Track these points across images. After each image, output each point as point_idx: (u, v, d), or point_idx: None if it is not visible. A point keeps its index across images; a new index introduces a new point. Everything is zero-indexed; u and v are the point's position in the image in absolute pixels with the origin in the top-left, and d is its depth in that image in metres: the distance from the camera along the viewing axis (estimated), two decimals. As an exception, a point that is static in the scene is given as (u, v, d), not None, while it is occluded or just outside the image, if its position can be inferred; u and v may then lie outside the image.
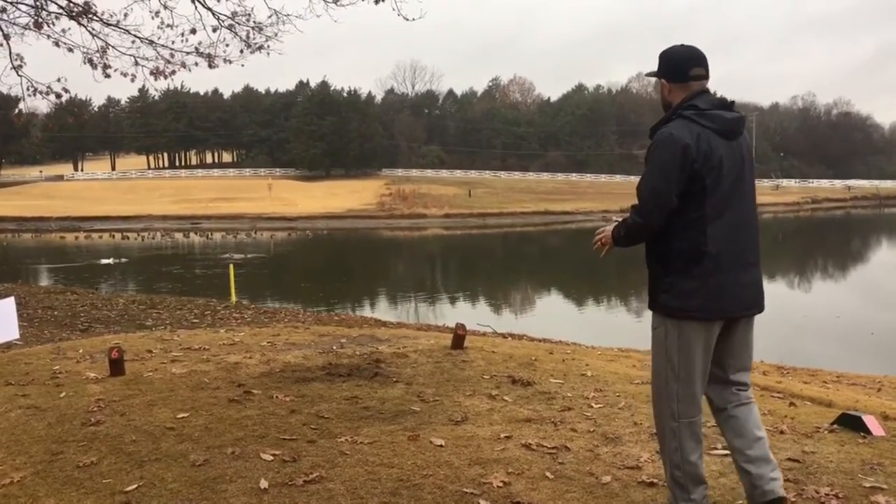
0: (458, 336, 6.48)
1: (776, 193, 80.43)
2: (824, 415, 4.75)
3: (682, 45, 3.00)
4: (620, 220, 3.01)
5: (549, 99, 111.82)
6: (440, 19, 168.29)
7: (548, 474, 3.51)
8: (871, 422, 4.28)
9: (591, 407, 4.69)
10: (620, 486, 3.40)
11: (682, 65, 2.93)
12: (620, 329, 17.56)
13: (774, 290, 26.12)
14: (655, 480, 3.44)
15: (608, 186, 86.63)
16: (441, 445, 3.88)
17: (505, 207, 67.39)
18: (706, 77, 2.94)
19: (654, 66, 3.04)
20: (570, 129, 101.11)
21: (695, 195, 2.79)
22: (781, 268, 32.32)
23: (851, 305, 21.50)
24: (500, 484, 3.37)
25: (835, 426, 4.35)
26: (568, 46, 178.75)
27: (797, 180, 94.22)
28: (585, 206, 70.65)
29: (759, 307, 2.94)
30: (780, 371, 8.34)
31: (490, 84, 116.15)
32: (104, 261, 34.31)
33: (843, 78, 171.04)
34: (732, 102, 2.94)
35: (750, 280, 2.89)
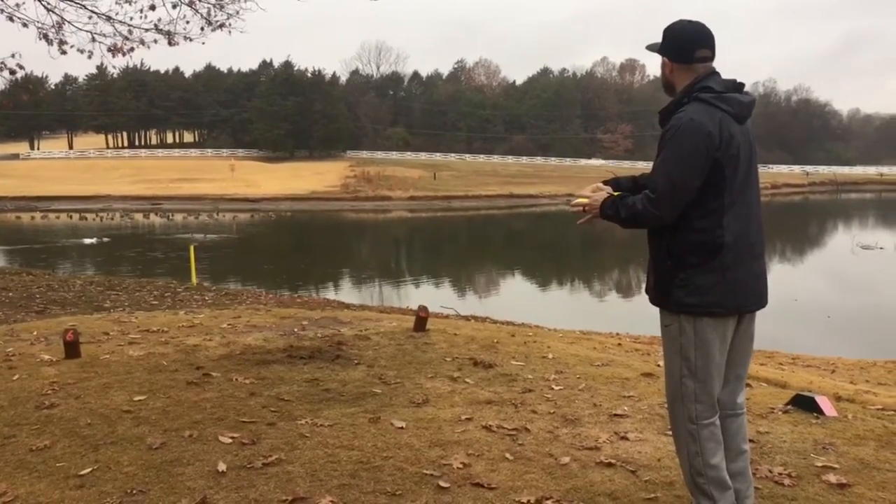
0: (421, 318, 6.48)
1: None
2: (779, 396, 4.84)
3: (688, 22, 2.76)
4: (616, 196, 2.80)
5: (514, 82, 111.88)
6: (406, 1, 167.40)
7: (507, 455, 3.53)
8: (823, 402, 4.37)
9: (552, 389, 4.72)
10: (579, 466, 3.43)
11: (688, 45, 2.71)
12: (583, 312, 17.73)
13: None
14: (613, 461, 3.48)
15: (572, 170, 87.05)
16: (402, 427, 3.87)
17: (470, 190, 67.38)
18: (712, 58, 2.74)
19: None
20: (535, 113, 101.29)
21: (714, 185, 2.60)
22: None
23: (808, 289, 21.94)
24: (460, 465, 3.38)
25: (789, 407, 4.44)
26: (534, 30, 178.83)
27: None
28: (550, 190, 70.91)
29: (766, 300, 2.78)
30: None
31: (456, 66, 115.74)
32: (87, 240, 33.80)
33: (807, 65, 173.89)
34: (743, 84, 2.78)
35: (759, 271, 2.74)
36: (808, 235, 42.05)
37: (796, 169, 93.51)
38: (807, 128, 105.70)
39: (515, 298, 20.55)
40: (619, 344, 6.71)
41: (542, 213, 59.65)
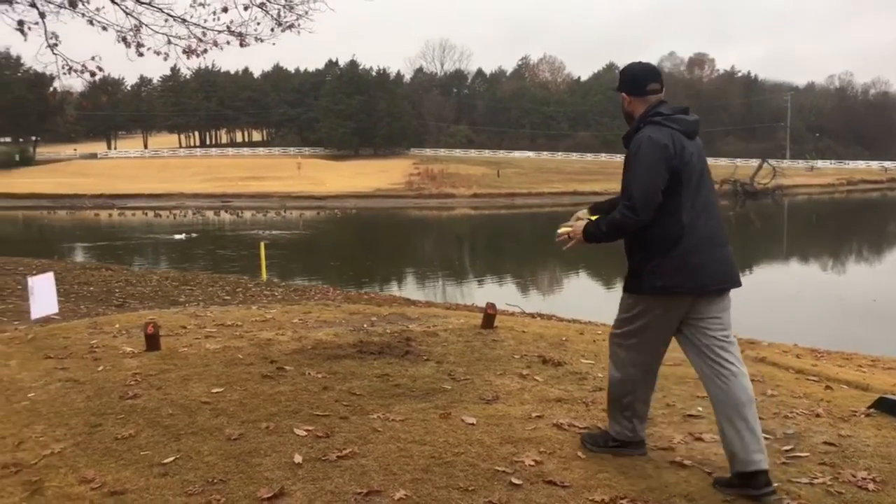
0: (489, 315, 6.48)
1: (810, 175, 79.07)
2: (861, 398, 4.69)
3: (639, 63, 3.45)
4: (592, 219, 3.41)
5: (579, 78, 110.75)
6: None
7: (580, 454, 3.52)
8: (909, 406, 4.22)
9: (623, 388, 4.66)
10: (653, 466, 3.39)
11: (642, 80, 3.37)
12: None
13: (808, 273, 25.79)
14: (688, 462, 3.43)
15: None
16: (473, 424, 3.89)
17: (533, 188, 67.05)
18: (661, 90, 3.38)
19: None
20: (600, 109, 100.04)
21: (673, 188, 3.17)
22: (815, 250, 31.88)
23: (888, 289, 21.14)
24: (532, 463, 3.38)
25: (871, 410, 4.30)
26: (601, 25, 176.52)
27: (832, 161, 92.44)
28: (615, 187, 69.58)
29: (734, 282, 3.27)
30: (815, 354, 8.23)
31: (519, 63, 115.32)
32: (177, 236, 35.06)
33: (886, 58, 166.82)
34: (688, 108, 3.37)
35: (721, 257, 3.24)
36: (887, 233, 40.49)
37: (874, 164, 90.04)
38: (885, 122, 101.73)
39: (580, 296, 20.37)
40: (691, 343, 6.60)
41: (607, 210, 58.92)
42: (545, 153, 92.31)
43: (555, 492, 3.10)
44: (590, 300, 19.20)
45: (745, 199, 61.93)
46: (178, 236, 35.12)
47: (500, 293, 19.41)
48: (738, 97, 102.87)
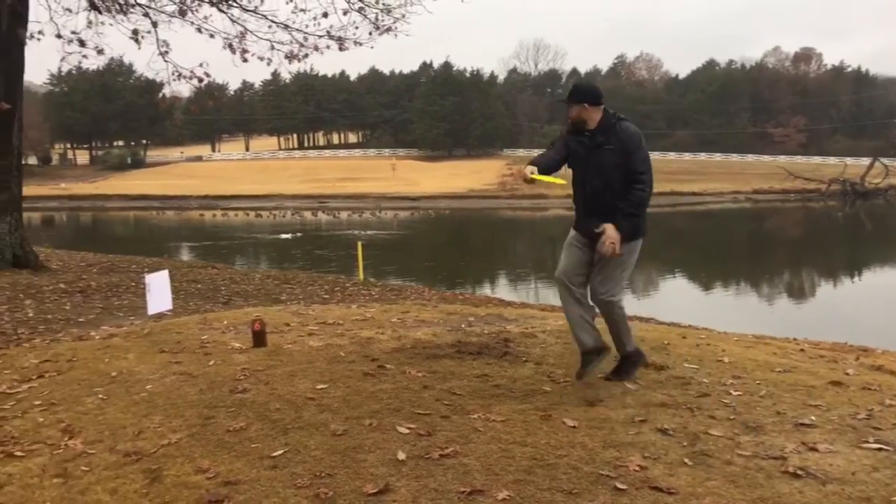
0: (588, 317, 6.39)
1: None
2: None
3: (589, 81, 5.16)
4: (547, 179, 4.64)
5: (677, 76, 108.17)
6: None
7: (686, 460, 3.43)
8: None
9: (730, 394, 4.53)
10: (764, 476, 3.27)
11: (600, 93, 4.69)
12: (751, 315, 16.88)
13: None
14: (801, 472, 3.30)
15: (739, 166, 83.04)
16: (574, 426, 3.85)
17: (629, 188, 65.74)
18: None
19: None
20: (698, 107, 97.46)
21: None
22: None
23: None
24: (637, 468, 3.32)
25: None
26: (700, 23, 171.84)
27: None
28: (714, 187, 68.12)
29: None
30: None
31: (615, 61, 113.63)
32: (283, 235, 36.98)
33: None
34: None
35: None
36: None
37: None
38: None
39: (678, 299, 19.86)
40: (802, 350, 6.33)
41: (705, 211, 57.38)
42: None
43: (661, 498, 3.04)
44: (688, 304, 18.72)
45: (856, 199, 59.13)
46: (284, 235, 36.94)
47: (595, 295, 19.10)
48: (847, 93, 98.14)
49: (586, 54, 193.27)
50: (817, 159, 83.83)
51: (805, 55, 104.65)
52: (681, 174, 74.26)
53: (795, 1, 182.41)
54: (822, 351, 6.43)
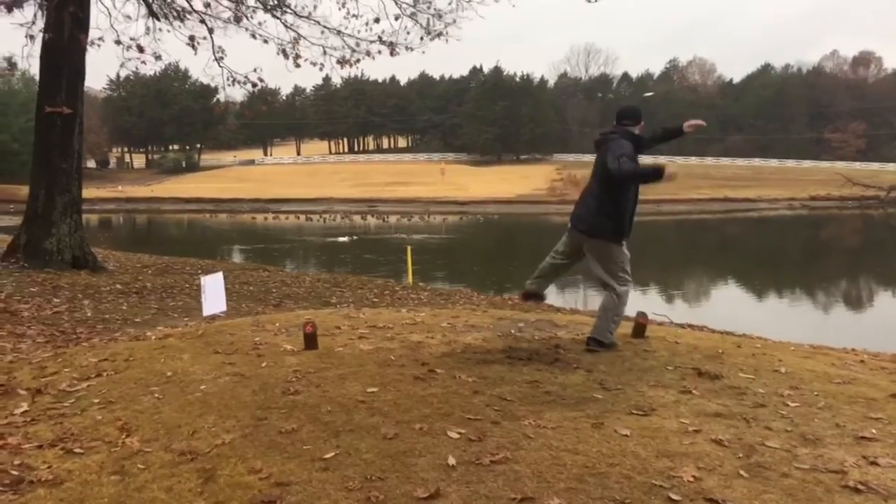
0: (640, 325, 6.33)
1: None
2: None
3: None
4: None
5: (731, 81, 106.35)
6: (625, 3, 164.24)
7: (742, 472, 3.36)
8: None
9: (787, 405, 4.42)
10: (823, 490, 3.18)
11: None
12: (807, 325, 16.48)
13: None
14: (862, 487, 3.20)
15: (795, 172, 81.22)
16: (626, 435, 3.80)
17: (680, 193, 64.88)
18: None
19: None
20: (753, 112, 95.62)
21: None
22: None
23: None
24: (691, 479, 3.26)
25: None
26: (755, 27, 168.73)
27: None
28: (769, 194, 66.74)
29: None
30: None
31: (668, 66, 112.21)
32: (341, 239, 37.90)
33: None
34: (608, 128, 6.24)
35: None
36: None
37: None
38: None
39: (731, 307, 19.50)
40: (862, 361, 6.15)
41: (760, 217, 56.23)
42: (693, 158, 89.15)
43: (716, 511, 2.98)
44: (742, 312, 18.36)
45: (918, 207, 57.26)
46: (341, 239, 37.95)
47: (645, 302, 18.91)
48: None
49: (639, 59, 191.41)
50: (876, 165, 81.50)
51: (864, 59, 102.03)
52: (735, 180, 73.07)
53: (857, 3, 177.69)
54: (883, 363, 6.23)
